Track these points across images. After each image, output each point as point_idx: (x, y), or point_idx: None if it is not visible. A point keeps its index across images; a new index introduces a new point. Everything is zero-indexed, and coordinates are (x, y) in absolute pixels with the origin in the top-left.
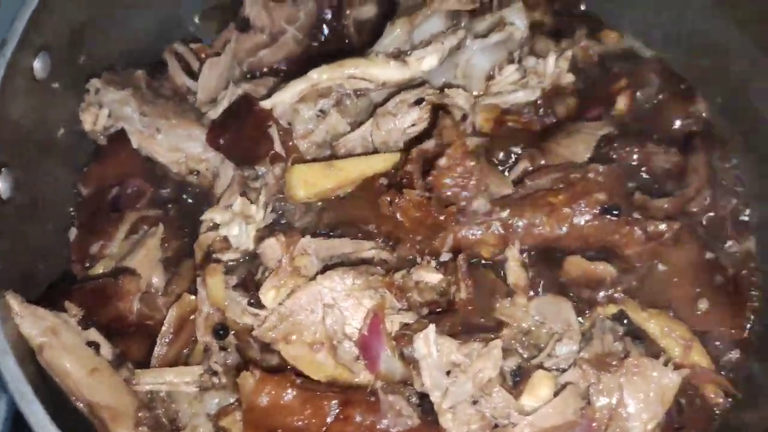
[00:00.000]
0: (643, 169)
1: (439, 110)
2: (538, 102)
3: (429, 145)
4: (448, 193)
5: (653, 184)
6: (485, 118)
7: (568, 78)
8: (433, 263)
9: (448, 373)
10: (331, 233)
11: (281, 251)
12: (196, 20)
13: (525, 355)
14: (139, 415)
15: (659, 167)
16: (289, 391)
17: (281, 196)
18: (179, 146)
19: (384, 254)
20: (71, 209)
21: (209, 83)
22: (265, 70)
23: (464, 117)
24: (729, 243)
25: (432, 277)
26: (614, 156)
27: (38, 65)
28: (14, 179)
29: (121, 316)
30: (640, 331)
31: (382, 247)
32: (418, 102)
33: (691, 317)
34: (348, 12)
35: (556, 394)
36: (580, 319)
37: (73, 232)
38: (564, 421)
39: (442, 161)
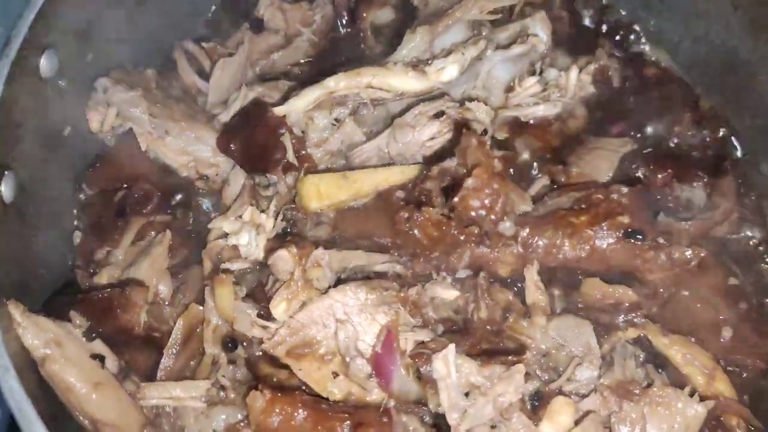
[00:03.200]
0: (667, 190)
1: (461, 127)
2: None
3: (450, 164)
4: (473, 215)
5: (677, 206)
6: (502, 128)
7: (590, 90)
8: (449, 279)
9: (466, 394)
10: (344, 245)
11: (293, 263)
12: (209, 16)
13: (544, 378)
14: None
15: (684, 189)
16: (301, 411)
17: (293, 205)
18: (188, 149)
19: (398, 268)
20: (75, 212)
21: (221, 84)
22: (278, 72)
23: (484, 131)
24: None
25: (448, 293)
26: (638, 176)
27: (44, 64)
28: (17, 182)
29: (127, 328)
30: (661, 358)
31: (396, 261)
32: (438, 115)
33: (715, 345)
34: (365, 15)
35: (576, 422)
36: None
37: (77, 236)
38: None
39: (469, 182)
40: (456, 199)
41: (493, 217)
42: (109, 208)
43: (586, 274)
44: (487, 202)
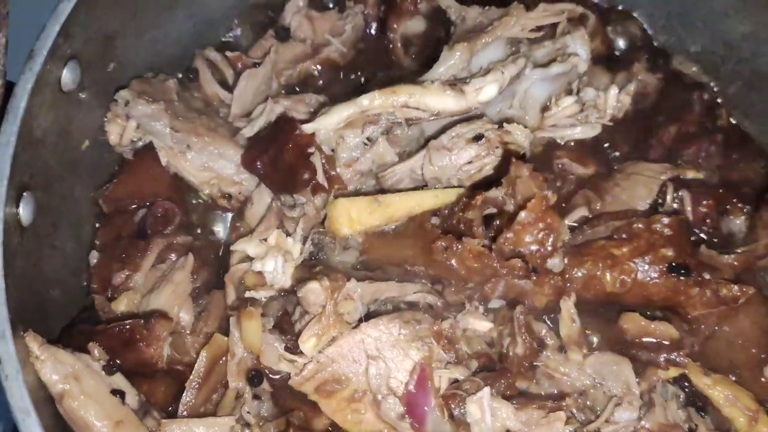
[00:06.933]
0: (707, 221)
1: (509, 155)
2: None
3: (496, 193)
4: (523, 250)
5: (716, 237)
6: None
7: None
8: (482, 309)
9: None
10: (373, 272)
11: (325, 296)
12: (234, 24)
13: (580, 418)
14: None
15: (725, 221)
16: None
17: (321, 229)
18: (210, 166)
19: (430, 298)
20: (92, 231)
21: (245, 96)
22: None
23: (523, 155)
24: None
25: (481, 325)
26: (677, 205)
27: (67, 76)
28: (36, 202)
29: (149, 362)
30: (700, 396)
31: (429, 291)
32: (477, 138)
33: (757, 384)
34: (395, 26)
35: None
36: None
37: (94, 256)
38: None
39: (523, 216)
40: (509, 234)
41: (543, 252)
42: (128, 228)
43: (623, 308)
44: (539, 236)
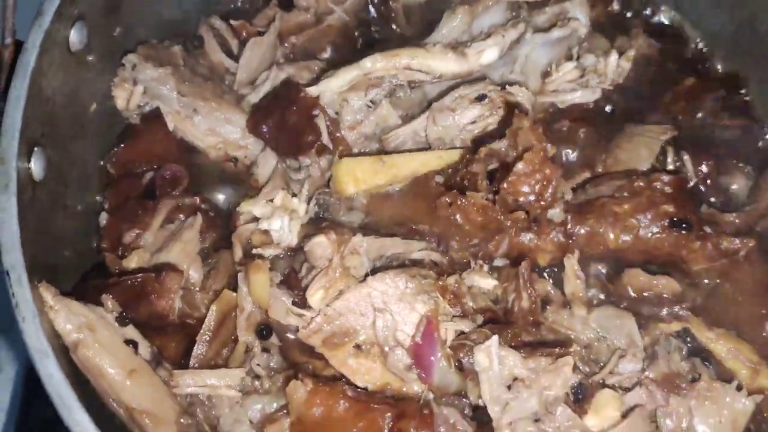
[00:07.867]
0: (708, 181)
1: (512, 108)
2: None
3: (500, 145)
4: (522, 200)
5: (718, 197)
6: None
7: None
8: (486, 267)
9: (509, 387)
10: (377, 231)
11: (332, 250)
12: None
13: (585, 371)
14: (181, 421)
15: (726, 181)
16: (342, 402)
17: (326, 189)
18: (217, 130)
19: (435, 256)
20: (101, 193)
21: (250, 64)
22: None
23: (526, 113)
24: None
25: (486, 282)
26: (678, 164)
27: (74, 36)
28: (47, 159)
29: (161, 314)
30: (703, 350)
31: (433, 249)
32: (480, 98)
33: (758, 339)
34: None
35: (622, 416)
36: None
37: (103, 217)
38: None
39: (519, 167)
40: (504, 185)
41: (542, 203)
42: (136, 189)
43: (626, 264)
44: (537, 187)
